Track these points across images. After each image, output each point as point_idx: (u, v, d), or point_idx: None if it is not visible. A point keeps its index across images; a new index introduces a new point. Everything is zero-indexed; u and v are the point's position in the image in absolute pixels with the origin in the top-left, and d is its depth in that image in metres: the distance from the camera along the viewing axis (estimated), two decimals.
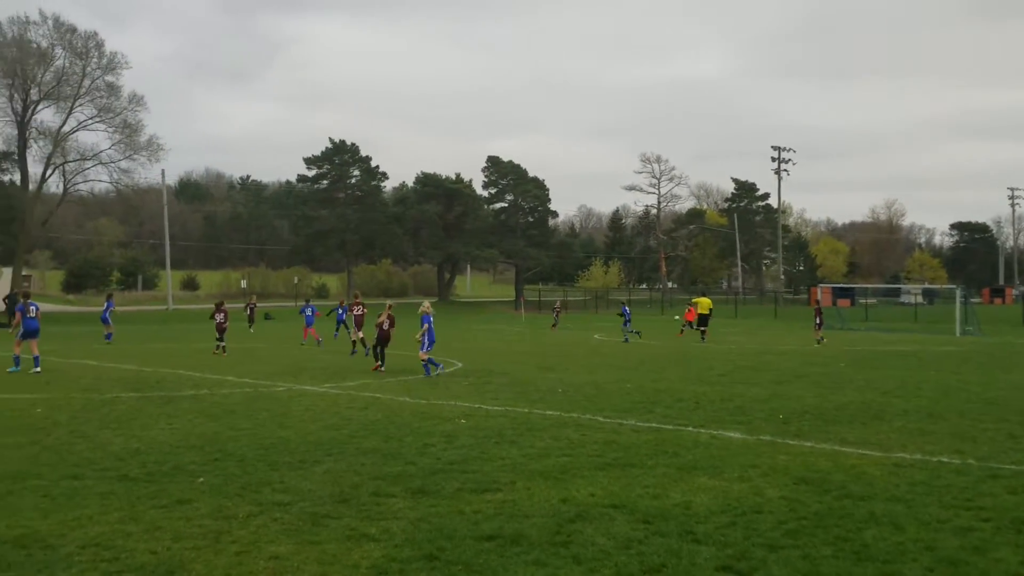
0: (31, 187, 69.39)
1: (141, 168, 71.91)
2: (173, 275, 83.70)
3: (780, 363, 24.52)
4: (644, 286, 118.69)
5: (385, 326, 21.61)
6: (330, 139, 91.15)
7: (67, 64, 67.49)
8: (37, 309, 21.79)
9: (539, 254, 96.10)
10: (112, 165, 70.10)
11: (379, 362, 21.53)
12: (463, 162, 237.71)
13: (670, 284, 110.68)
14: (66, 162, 69.59)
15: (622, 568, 6.43)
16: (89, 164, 70.20)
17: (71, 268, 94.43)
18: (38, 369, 20.84)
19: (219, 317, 27.48)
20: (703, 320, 35.82)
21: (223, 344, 27.23)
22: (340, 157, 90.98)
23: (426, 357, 20.52)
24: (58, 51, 67.42)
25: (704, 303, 36.40)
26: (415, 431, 12.34)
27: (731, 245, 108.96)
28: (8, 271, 79.53)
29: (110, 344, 32.15)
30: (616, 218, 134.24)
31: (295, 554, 6.71)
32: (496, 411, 14.41)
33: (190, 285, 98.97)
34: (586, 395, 16.66)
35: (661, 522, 7.62)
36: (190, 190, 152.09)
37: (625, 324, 36.87)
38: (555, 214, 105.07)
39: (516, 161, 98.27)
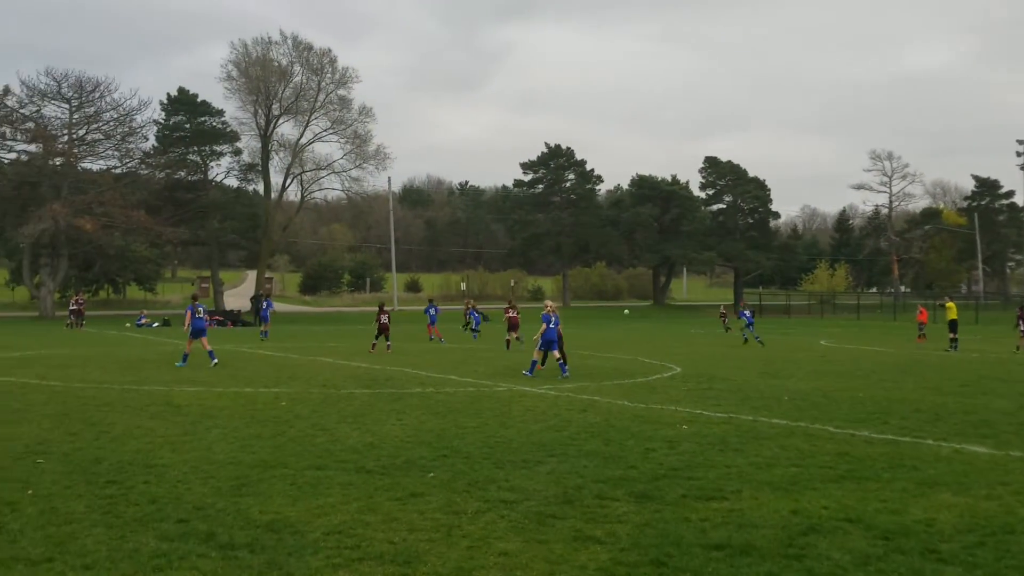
0: (273, 196, 74.86)
1: (369, 176, 76.27)
2: (397, 277, 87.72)
3: None
4: (874, 290, 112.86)
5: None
6: (545, 144, 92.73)
7: (304, 80, 72.49)
8: (204, 309, 24.33)
9: (759, 257, 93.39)
10: (344, 174, 74.73)
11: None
12: (679, 164, 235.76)
13: (903, 288, 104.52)
14: (303, 172, 74.78)
15: None
16: (324, 173, 75.23)
17: (307, 271, 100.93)
18: (215, 361, 22.68)
19: (383, 318, 29.50)
20: (953, 325, 33.72)
21: (389, 343, 29.31)
22: (555, 161, 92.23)
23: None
24: (296, 68, 72.53)
25: (951, 308, 34.21)
26: (635, 435, 12.27)
27: (971, 246, 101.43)
28: (252, 274, 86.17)
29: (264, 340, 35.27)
30: (843, 218, 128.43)
31: (523, 552, 6.82)
32: (718, 417, 14.10)
33: (413, 287, 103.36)
34: (814, 403, 16.00)
35: (901, 539, 7.20)
36: (413, 196, 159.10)
37: (749, 327, 36.15)
38: (776, 215, 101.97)
39: (735, 161, 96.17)
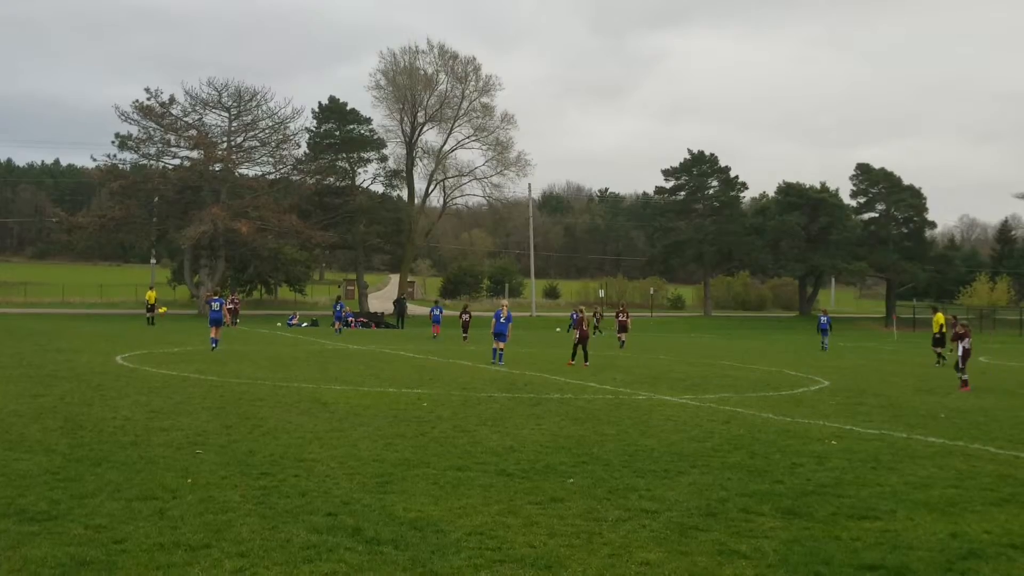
0: (416, 201, 76.49)
1: (510, 183, 76.58)
2: (536, 283, 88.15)
3: None
4: None
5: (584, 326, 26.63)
6: (688, 150, 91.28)
7: (449, 88, 73.65)
8: (221, 304, 29.57)
9: (914, 268, 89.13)
10: (485, 180, 75.50)
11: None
12: (828, 171, 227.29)
13: None
14: (446, 178, 75.96)
15: None
16: (465, 180, 76.15)
17: (448, 275, 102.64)
18: (214, 347, 27.73)
19: (465, 317, 40.04)
20: (937, 341, 30.42)
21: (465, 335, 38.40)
22: (698, 168, 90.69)
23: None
24: (442, 76, 73.76)
25: (938, 318, 31.06)
26: (782, 449, 11.91)
27: None
28: (395, 278, 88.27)
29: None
30: (1004, 229, 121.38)
31: (665, 563, 6.71)
32: (870, 434, 13.54)
33: (551, 293, 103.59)
34: (973, 422, 15.17)
35: None
36: (552, 203, 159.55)
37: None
38: (933, 225, 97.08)
39: (888, 168, 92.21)
